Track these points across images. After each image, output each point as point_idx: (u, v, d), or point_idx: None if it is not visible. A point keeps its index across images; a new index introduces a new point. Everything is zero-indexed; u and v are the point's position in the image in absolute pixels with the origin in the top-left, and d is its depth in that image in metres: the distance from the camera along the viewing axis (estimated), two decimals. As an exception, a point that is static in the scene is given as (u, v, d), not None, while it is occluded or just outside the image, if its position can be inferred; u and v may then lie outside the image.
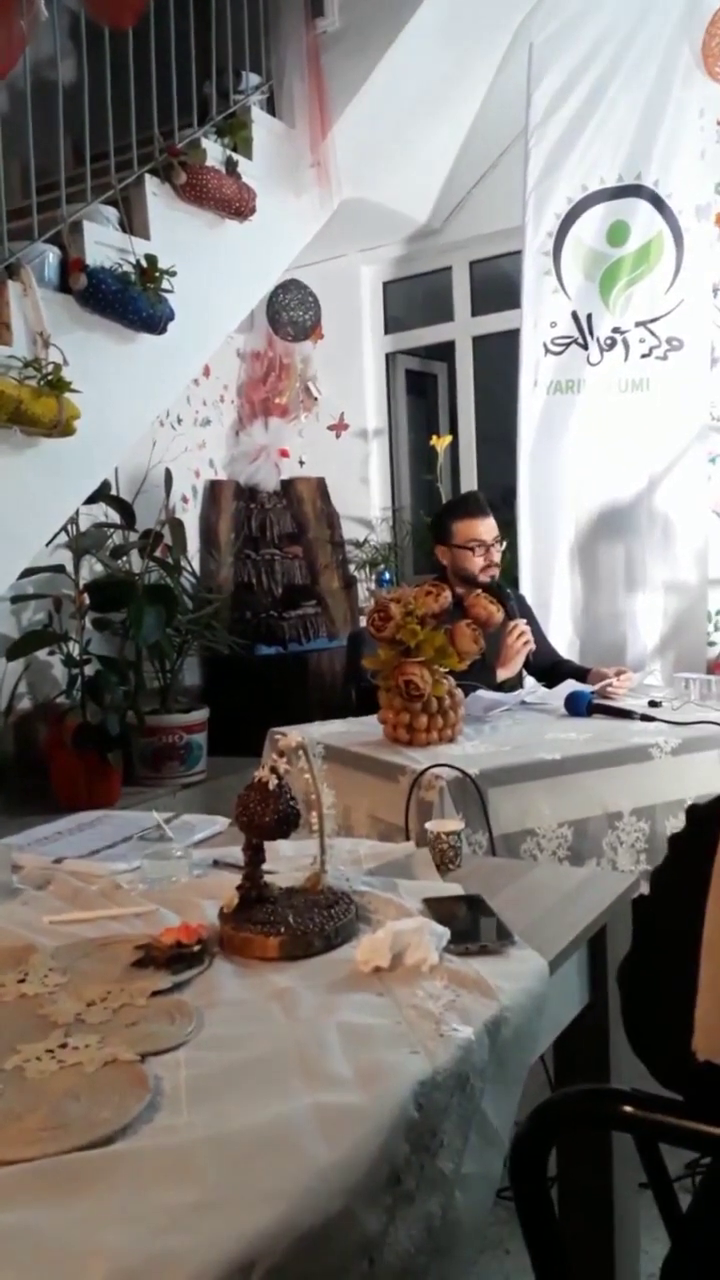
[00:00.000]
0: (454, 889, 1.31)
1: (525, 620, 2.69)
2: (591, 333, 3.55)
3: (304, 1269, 0.70)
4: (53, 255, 2.80)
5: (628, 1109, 0.77)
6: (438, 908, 1.22)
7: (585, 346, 3.56)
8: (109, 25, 3.08)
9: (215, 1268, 0.65)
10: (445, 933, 1.11)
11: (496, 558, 2.71)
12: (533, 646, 2.66)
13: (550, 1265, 0.81)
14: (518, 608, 2.77)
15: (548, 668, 2.81)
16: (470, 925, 1.17)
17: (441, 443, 4.43)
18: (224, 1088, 0.86)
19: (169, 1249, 0.66)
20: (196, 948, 1.12)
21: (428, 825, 1.50)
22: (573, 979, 1.27)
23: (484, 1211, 0.92)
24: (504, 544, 2.77)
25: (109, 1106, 0.83)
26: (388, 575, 4.70)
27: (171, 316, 3.00)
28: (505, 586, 2.79)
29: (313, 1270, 0.71)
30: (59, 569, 3.46)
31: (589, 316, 3.55)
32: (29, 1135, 0.79)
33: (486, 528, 2.70)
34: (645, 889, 1.43)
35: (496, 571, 2.71)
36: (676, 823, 2.05)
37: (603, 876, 1.44)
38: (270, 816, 1.18)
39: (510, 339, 3.86)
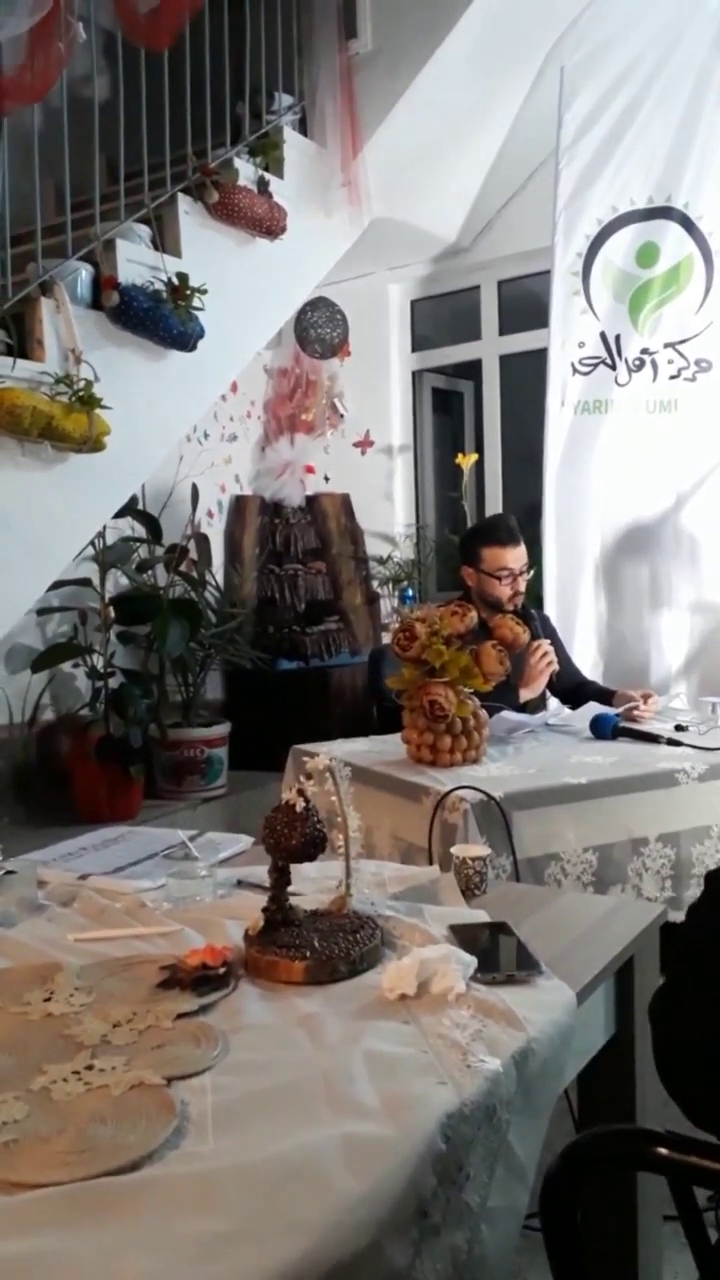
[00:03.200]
0: (480, 915, 1.30)
1: (549, 640, 2.68)
2: (620, 353, 3.55)
3: (331, 1303, 0.69)
4: (85, 272, 2.84)
5: (662, 1151, 0.76)
6: (464, 934, 1.21)
7: (613, 367, 3.56)
8: (145, 46, 3.12)
9: (243, 1300, 0.64)
10: (472, 961, 1.10)
11: (523, 586, 2.70)
12: (556, 667, 2.65)
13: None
14: (542, 628, 2.76)
15: (572, 689, 2.80)
16: (497, 953, 1.16)
17: (467, 461, 4.45)
18: (250, 1115, 0.85)
19: (196, 1279, 0.66)
20: (222, 970, 1.12)
21: (453, 850, 1.50)
22: (599, 1011, 1.25)
23: (510, 1245, 0.91)
24: (531, 572, 2.76)
25: (136, 1131, 0.82)
26: (411, 592, 4.70)
27: (202, 334, 3.03)
28: (530, 607, 2.78)
29: (339, 1304, 0.70)
30: (85, 582, 3.48)
31: (617, 337, 3.55)
32: (56, 1159, 0.79)
33: (515, 556, 2.68)
34: (672, 916, 1.42)
35: (521, 600, 2.70)
36: (702, 849, 2.03)
37: (630, 906, 1.43)
38: (297, 839, 1.18)
39: (538, 358, 3.86)
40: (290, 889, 1.25)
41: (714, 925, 0.83)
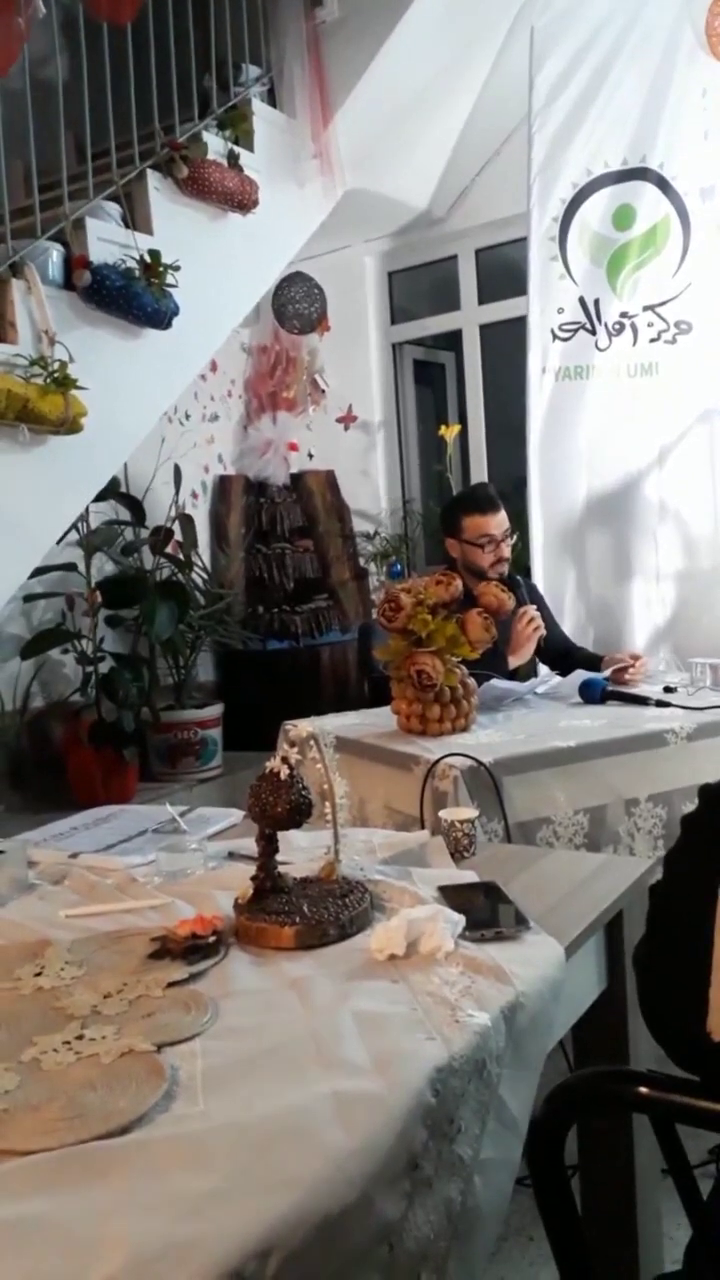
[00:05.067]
0: (469, 876, 1.30)
1: (535, 607, 2.68)
2: (599, 318, 3.52)
3: (322, 1255, 0.70)
4: (56, 253, 2.80)
5: (643, 1090, 0.76)
6: (453, 895, 1.22)
7: (593, 332, 3.53)
8: (107, 21, 3.07)
9: (232, 1255, 0.65)
10: (460, 920, 1.11)
11: (506, 553, 2.69)
12: (544, 633, 2.64)
13: (568, 1245, 0.81)
14: (528, 595, 2.76)
15: (561, 655, 2.80)
16: (485, 912, 1.17)
17: (450, 432, 4.43)
18: (240, 1076, 0.86)
19: (186, 1236, 0.66)
20: (212, 939, 1.12)
21: (442, 813, 1.50)
22: (590, 964, 1.26)
23: (503, 1197, 0.92)
24: (514, 537, 2.75)
25: (125, 1096, 0.83)
26: (399, 566, 4.69)
27: (176, 311, 3.00)
28: (515, 574, 2.78)
29: (331, 1257, 0.71)
30: (70, 567, 3.47)
31: (596, 301, 3.53)
32: (46, 1125, 0.79)
33: (496, 523, 2.68)
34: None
35: (505, 567, 2.70)
36: (694, 808, 2.04)
37: (618, 862, 1.44)
38: (282, 807, 1.18)
39: (518, 326, 3.83)
40: (280, 858, 1.25)
41: (689, 868, 0.84)
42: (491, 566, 2.67)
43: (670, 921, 0.85)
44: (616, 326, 3.52)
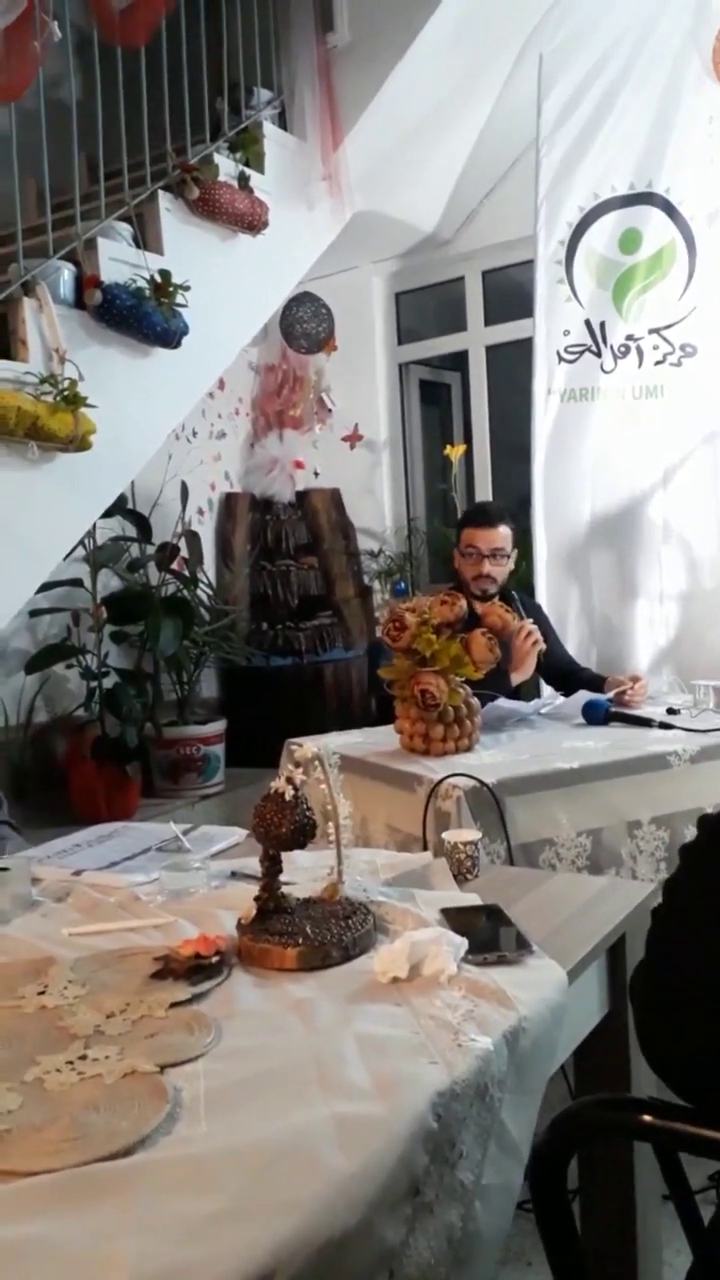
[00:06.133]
0: (472, 899, 1.30)
1: (532, 621, 2.68)
2: (605, 340, 3.55)
3: (323, 1280, 0.70)
4: (68, 272, 2.83)
5: (646, 1118, 0.76)
6: (456, 918, 1.22)
7: (599, 354, 3.56)
8: (121, 44, 3.12)
9: (234, 1278, 0.65)
10: (463, 943, 1.11)
11: (487, 569, 2.69)
12: (542, 646, 2.64)
13: (568, 1271, 0.81)
14: (526, 611, 2.77)
15: (564, 675, 2.81)
16: (488, 935, 1.17)
17: (455, 452, 4.45)
18: (242, 1098, 0.86)
19: (187, 1259, 0.66)
20: (215, 959, 1.12)
21: (445, 835, 1.50)
22: (592, 989, 1.26)
23: (504, 1223, 0.91)
24: (508, 559, 2.74)
25: (128, 1117, 0.83)
26: (403, 585, 4.70)
27: (186, 331, 3.03)
28: (511, 589, 2.79)
29: (332, 1281, 0.71)
30: (76, 583, 3.48)
31: (602, 324, 3.55)
32: (49, 1146, 0.80)
33: (484, 537, 2.70)
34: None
35: (490, 585, 2.69)
36: (693, 837, 2.04)
37: (621, 886, 1.44)
38: (287, 827, 1.18)
39: (524, 348, 3.86)
40: (283, 878, 1.25)
41: (688, 897, 0.84)
42: (473, 580, 2.68)
43: (668, 951, 0.85)
44: (622, 349, 3.54)
